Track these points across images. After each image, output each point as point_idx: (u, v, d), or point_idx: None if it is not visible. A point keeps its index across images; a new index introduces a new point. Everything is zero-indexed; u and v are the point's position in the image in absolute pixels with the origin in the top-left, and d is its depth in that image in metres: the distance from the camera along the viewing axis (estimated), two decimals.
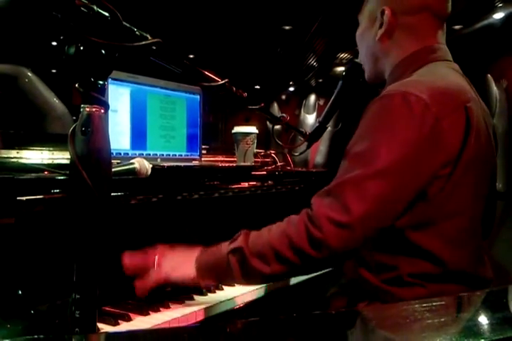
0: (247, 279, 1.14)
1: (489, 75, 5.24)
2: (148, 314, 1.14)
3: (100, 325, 1.06)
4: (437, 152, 1.08)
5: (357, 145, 1.11)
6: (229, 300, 1.30)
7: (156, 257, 1.18)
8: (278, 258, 1.08)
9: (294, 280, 1.56)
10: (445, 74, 1.22)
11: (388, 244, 1.16)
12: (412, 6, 1.26)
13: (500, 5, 4.70)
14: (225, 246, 1.15)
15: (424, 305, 0.71)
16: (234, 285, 1.34)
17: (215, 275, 1.17)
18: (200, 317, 1.21)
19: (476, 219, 1.20)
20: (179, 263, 1.18)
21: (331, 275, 1.56)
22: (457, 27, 5.24)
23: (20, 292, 0.97)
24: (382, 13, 1.26)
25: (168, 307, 1.19)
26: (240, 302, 1.33)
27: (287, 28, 6.13)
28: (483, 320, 0.73)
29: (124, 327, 1.08)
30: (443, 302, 0.78)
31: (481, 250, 1.24)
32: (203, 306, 1.22)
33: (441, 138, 1.07)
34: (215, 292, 1.33)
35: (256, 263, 1.10)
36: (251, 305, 1.36)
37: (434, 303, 0.73)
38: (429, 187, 1.09)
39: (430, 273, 1.13)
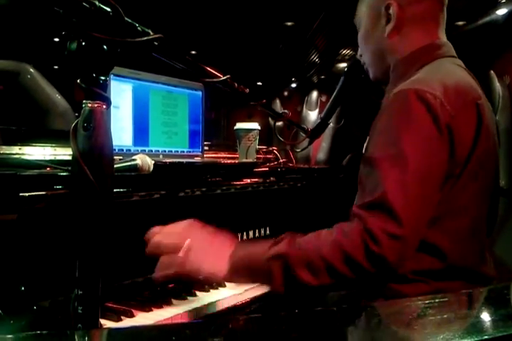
0: (288, 287, 1.07)
1: (492, 71, 5.22)
2: (151, 310, 1.14)
3: (103, 321, 1.06)
4: (452, 150, 1.08)
5: (384, 150, 1.08)
6: (231, 296, 1.30)
7: (188, 241, 1.11)
8: (329, 271, 1.02)
9: None
10: (452, 71, 1.21)
11: None
12: None
13: (504, 1, 4.68)
14: (266, 249, 1.09)
15: (427, 301, 0.71)
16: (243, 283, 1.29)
17: (250, 276, 1.12)
18: (203, 313, 1.21)
19: (481, 217, 1.20)
20: (211, 256, 1.11)
21: None
22: (460, 23, 5.22)
23: (22, 288, 0.97)
24: (388, 7, 1.24)
25: (170, 303, 1.19)
26: (243, 298, 1.33)
27: (289, 24, 6.12)
28: (486, 316, 0.73)
29: (126, 323, 1.08)
30: (446, 299, 0.78)
31: (484, 247, 1.23)
32: (206, 302, 1.22)
33: (454, 135, 1.07)
34: (217, 289, 1.33)
35: (303, 273, 1.03)
36: (256, 301, 1.36)
37: (436, 300, 0.73)
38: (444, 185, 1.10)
39: (433, 270, 1.13)
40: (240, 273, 1.11)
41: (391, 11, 1.24)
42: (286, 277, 1.05)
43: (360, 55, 1.40)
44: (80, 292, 0.73)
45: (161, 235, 1.12)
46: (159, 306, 1.17)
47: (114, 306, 1.15)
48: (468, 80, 1.20)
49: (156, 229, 1.13)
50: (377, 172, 1.07)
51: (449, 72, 1.19)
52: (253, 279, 1.15)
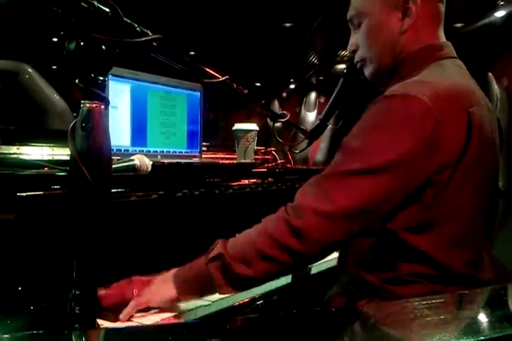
0: (232, 285, 1.08)
1: (490, 74, 5.23)
2: (149, 310, 1.14)
3: (100, 321, 1.06)
4: (434, 156, 1.06)
5: (352, 141, 1.10)
6: (228, 297, 1.30)
7: (135, 291, 1.13)
8: (262, 258, 1.04)
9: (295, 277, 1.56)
10: (452, 74, 1.20)
11: (386, 245, 1.15)
12: None
13: (502, 3, 4.70)
14: (203, 258, 1.11)
15: (424, 302, 0.71)
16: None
17: (198, 289, 1.13)
18: (202, 313, 1.21)
19: (476, 221, 1.19)
20: (157, 285, 1.13)
21: (331, 274, 1.56)
22: (459, 25, 5.23)
23: (20, 288, 0.97)
24: (407, 1, 1.20)
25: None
26: (239, 299, 1.33)
27: (288, 25, 6.12)
28: (482, 317, 0.73)
29: (123, 323, 1.08)
30: (442, 300, 0.78)
31: (480, 251, 1.23)
32: (205, 302, 1.22)
33: (439, 142, 1.06)
34: None
35: (239, 267, 1.05)
36: (251, 302, 1.36)
37: (433, 301, 0.73)
38: (426, 191, 1.08)
39: (429, 274, 1.12)
40: (188, 289, 1.12)
41: (411, 5, 1.20)
42: (225, 275, 1.07)
43: (354, 51, 1.34)
44: (77, 292, 0.73)
45: (105, 297, 1.11)
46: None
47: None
48: (464, 85, 1.19)
49: (100, 292, 1.10)
50: (337, 157, 1.10)
51: (446, 77, 1.18)
52: (201, 289, 1.13)
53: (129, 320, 1.10)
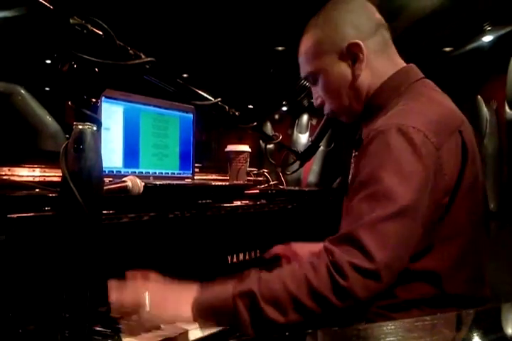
0: (257, 327, 0.99)
1: (479, 96, 5.31)
2: (139, 334, 1.13)
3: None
4: (440, 183, 1.06)
5: (366, 187, 1.04)
6: None
7: (147, 295, 1.06)
8: (296, 307, 0.97)
9: None
10: (432, 98, 1.20)
11: None
12: (371, 26, 1.25)
13: (489, 28, 4.79)
14: (231, 287, 1.03)
15: (417, 323, 0.71)
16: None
17: (217, 319, 1.05)
18: (194, 336, 1.19)
19: (474, 241, 1.18)
20: (173, 304, 1.07)
21: None
22: (448, 49, 5.32)
23: (8, 311, 0.96)
24: (351, 47, 1.22)
25: (159, 327, 1.18)
26: None
27: (280, 48, 6.20)
28: (475, 340, 0.72)
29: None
30: (436, 321, 0.78)
31: (481, 268, 1.22)
32: (196, 325, 1.20)
33: (442, 168, 1.06)
34: None
35: (270, 310, 0.97)
36: None
37: (427, 322, 0.73)
38: (431, 218, 1.08)
39: (427, 299, 1.12)
40: (206, 316, 1.05)
41: (356, 50, 1.22)
42: (253, 316, 0.99)
43: (321, 105, 1.36)
44: (67, 315, 0.72)
45: (119, 294, 1.07)
46: (147, 330, 1.15)
47: (102, 330, 1.13)
48: (447, 105, 1.20)
49: (112, 284, 1.08)
50: (355, 207, 1.04)
51: (429, 101, 1.18)
52: (221, 321, 1.06)
53: (119, 340, 1.08)
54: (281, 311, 0.97)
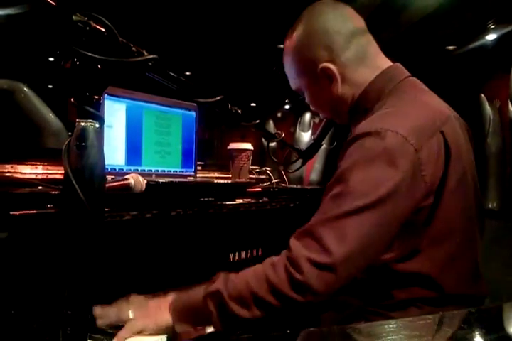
0: (226, 323, 1.07)
1: (482, 95, 5.29)
2: (140, 333, 1.13)
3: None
4: (418, 185, 1.06)
5: (336, 186, 1.06)
6: None
7: (130, 312, 1.13)
8: (258, 303, 1.02)
9: None
10: (416, 97, 1.20)
11: (378, 276, 1.15)
12: (344, 39, 1.25)
13: (493, 26, 4.77)
14: (202, 289, 1.10)
15: (419, 322, 0.71)
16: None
17: (193, 320, 1.11)
18: (193, 337, 1.20)
19: (468, 240, 1.18)
20: (153, 310, 1.13)
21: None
22: (451, 47, 5.30)
23: (10, 308, 0.96)
24: (324, 70, 1.25)
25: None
26: None
27: (282, 46, 6.19)
28: (477, 339, 0.72)
29: None
30: (437, 320, 0.78)
31: (477, 265, 1.22)
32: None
33: (421, 169, 1.06)
34: None
35: (235, 307, 1.04)
36: None
37: (428, 321, 0.73)
38: (415, 219, 1.08)
39: (424, 298, 1.12)
40: (183, 318, 1.11)
41: (329, 72, 1.24)
42: (221, 313, 1.05)
43: (314, 111, 1.45)
44: (68, 312, 0.72)
45: (101, 316, 1.11)
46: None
47: (103, 328, 1.13)
48: (430, 105, 1.19)
49: (96, 311, 1.11)
50: (322, 204, 1.08)
51: (412, 102, 1.18)
52: (196, 321, 1.12)
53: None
54: (245, 307, 1.03)
